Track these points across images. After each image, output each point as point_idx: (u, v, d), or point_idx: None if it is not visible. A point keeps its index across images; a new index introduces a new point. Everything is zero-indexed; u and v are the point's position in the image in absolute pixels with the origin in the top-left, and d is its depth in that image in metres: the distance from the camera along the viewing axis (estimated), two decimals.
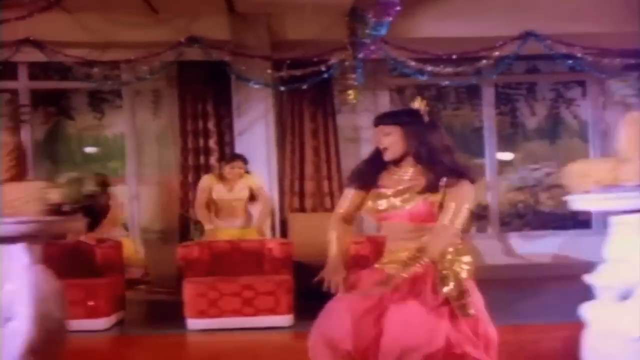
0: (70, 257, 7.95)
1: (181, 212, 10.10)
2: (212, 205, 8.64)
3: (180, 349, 7.19)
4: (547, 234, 11.20)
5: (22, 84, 10.71)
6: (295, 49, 9.93)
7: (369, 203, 3.87)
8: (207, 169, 10.26)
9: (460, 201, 3.68)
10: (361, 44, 9.51)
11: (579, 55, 9.86)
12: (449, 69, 9.81)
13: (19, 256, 2.59)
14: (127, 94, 10.86)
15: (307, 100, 10.45)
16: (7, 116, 2.95)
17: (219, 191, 8.59)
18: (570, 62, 10.00)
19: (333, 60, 9.85)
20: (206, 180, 8.78)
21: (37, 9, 8.44)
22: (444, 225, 3.65)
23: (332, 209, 10.21)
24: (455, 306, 3.59)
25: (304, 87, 9.95)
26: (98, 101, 11.50)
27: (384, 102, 10.88)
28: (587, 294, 4.11)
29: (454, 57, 9.86)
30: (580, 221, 11.16)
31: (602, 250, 3.87)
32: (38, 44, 9.76)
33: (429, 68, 9.81)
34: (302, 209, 10.42)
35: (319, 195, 10.51)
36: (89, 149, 11.53)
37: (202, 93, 10.39)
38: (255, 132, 9.89)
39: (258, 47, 9.84)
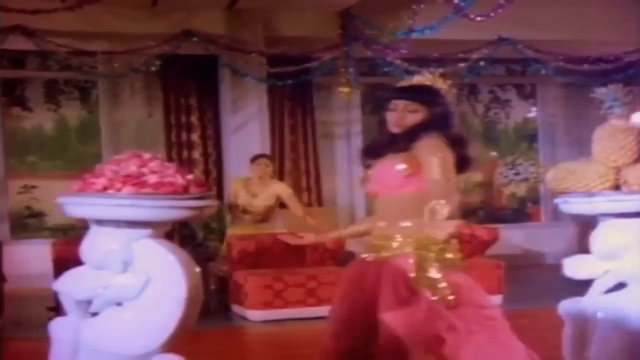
0: None
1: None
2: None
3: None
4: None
5: None
6: (289, 45, 10.11)
7: None
8: (191, 162, 10.30)
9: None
10: (353, 43, 9.95)
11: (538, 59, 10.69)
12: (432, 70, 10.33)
13: None
14: (103, 87, 10.62)
15: (287, 96, 10.65)
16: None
17: (244, 197, 8.55)
18: (538, 65, 10.79)
19: (326, 57, 10.15)
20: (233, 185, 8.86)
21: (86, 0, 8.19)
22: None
23: (310, 204, 10.54)
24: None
25: (289, 83, 10.18)
26: (55, 92, 11.16)
27: (356, 100, 11.22)
28: None
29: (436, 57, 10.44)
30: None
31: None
32: (28, 32, 9.41)
33: (412, 68, 10.29)
34: (280, 205, 10.56)
35: (297, 191, 10.67)
36: None
37: (186, 87, 10.38)
38: (250, 128, 9.98)
39: (253, 42, 9.97)
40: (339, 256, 8.26)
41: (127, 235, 2.33)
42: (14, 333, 7.25)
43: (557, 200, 3.26)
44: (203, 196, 2.42)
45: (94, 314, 2.40)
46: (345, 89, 10.10)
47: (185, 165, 10.26)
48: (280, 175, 10.65)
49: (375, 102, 11.49)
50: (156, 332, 2.31)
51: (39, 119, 11.14)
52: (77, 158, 11.32)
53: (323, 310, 7.52)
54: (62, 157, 11.50)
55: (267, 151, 10.08)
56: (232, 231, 8.67)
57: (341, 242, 8.23)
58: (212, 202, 2.48)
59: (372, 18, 9.72)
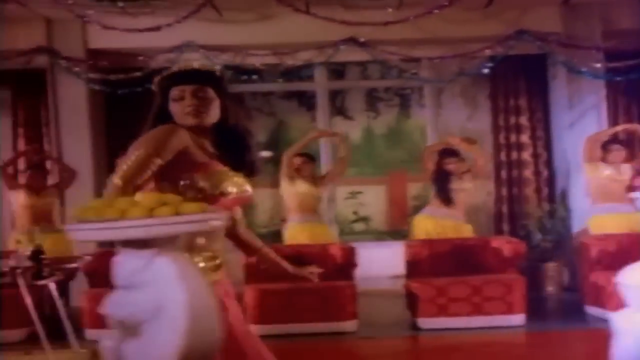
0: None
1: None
2: None
3: None
4: None
5: (321, 84, 10.45)
6: (627, 38, 9.56)
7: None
8: (520, 164, 10.05)
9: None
10: None
11: None
12: None
13: None
14: (428, 92, 10.57)
15: (620, 91, 10.09)
16: None
17: None
18: None
19: None
20: None
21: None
22: None
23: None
24: None
25: (629, 77, 9.59)
26: (374, 100, 11.30)
27: None
28: None
29: None
30: None
31: None
32: (361, 44, 9.50)
33: None
34: None
35: None
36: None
37: (515, 87, 10.12)
38: (585, 124, 9.51)
39: (588, 37, 9.49)
40: None
41: None
42: (368, 333, 7.41)
43: None
44: None
45: None
46: None
47: (515, 166, 10.06)
48: None
49: None
50: None
51: (357, 127, 11.34)
52: (384, 164, 11.46)
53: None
54: (369, 163, 11.68)
55: None
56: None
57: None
58: None
59: None
